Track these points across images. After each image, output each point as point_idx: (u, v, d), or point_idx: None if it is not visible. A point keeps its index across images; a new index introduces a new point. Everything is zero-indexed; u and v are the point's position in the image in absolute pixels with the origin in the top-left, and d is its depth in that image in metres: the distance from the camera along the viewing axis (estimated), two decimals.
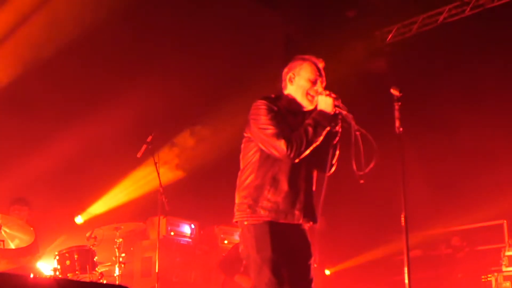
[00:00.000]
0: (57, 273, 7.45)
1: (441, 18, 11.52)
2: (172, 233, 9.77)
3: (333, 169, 4.94)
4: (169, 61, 10.67)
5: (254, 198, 4.67)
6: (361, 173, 4.63)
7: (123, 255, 7.86)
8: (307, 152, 4.66)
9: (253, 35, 11.96)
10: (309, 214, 4.78)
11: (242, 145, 4.87)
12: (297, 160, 4.65)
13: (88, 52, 9.88)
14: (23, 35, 8.83)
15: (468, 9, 11.19)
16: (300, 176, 4.76)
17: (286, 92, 4.93)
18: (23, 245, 7.48)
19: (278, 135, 4.58)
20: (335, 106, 4.75)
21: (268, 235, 4.60)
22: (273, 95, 4.90)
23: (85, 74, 9.88)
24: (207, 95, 11.01)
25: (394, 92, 4.56)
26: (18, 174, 8.80)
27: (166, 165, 9.58)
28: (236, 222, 4.80)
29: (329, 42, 11.35)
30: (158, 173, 8.03)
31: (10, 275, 2.90)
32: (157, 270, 7.97)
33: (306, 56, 5.00)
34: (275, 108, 4.72)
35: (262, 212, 4.63)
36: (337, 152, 4.90)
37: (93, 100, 9.80)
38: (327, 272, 10.87)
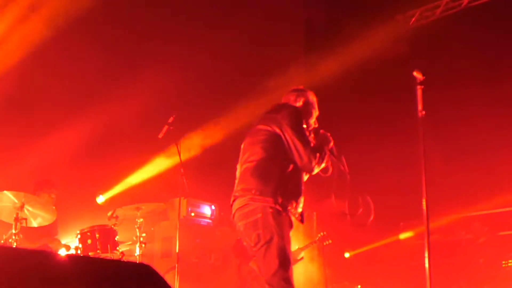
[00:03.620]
0: (79, 251, 7.54)
1: (465, 1, 11.41)
2: (192, 214, 9.80)
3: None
4: (189, 43, 10.69)
5: (275, 188, 5.04)
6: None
7: (143, 235, 7.92)
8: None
9: (274, 19, 11.92)
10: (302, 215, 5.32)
11: (270, 137, 5.21)
12: (310, 173, 5.29)
13: (108, 33, 9.91)
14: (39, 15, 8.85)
15: None
16: (303, 184, 5.33)
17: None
18: (45, 223, 7.58)
19: (313, 151, 5.14)
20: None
21: (287, 224, 5.11)
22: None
23: (106, 55, 9.91)
24: (227, 76, 11.03)
25: (417, 75, 4.56)
26: (41, 154, 8.88)
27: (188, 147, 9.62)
28: (251, 200, 5.06)
29: (350, 26, 11.30)
30: (180, 154, 8.07)
31: (35, 251, 2.94)
32: (177, 251, 8.02)
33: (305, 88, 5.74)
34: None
35: (279, 203, 5.02)
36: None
37: (115, 81, 9.84)
38: (347, 255, 10.90)
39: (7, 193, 7.02)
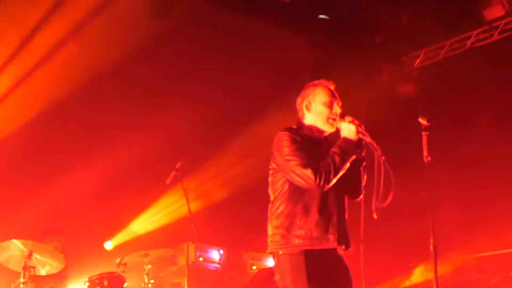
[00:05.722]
0: None
1: (469, 42, 11.47)
2: (200, 259, 9.78)
3: (361, 195, 4.90)
4: (197, 86, 10.74)
5: (287, 228, 4.65)
6: (379, 206, 4.69)
7: (152, 281, 7.90)
8: (335, 180, 4.64)
9: (281, 60, 11.99)
10: (343, 238, 4.75)
11: (270, 178, 4.88)
12: (326, 188, 4.63)
13: (117, 77, 9.96)
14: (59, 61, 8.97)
15: (496, 33, 11.14)
16: (330, 203, 4.73)
17: (305, 121, 4.97)
18: (54, 271, 7.57)
19: (305, 165, 4.59)
20: (358, 132, 4.75)
21: (304, 265, 4.59)
22: (294, 126, 4.93)
23: (114, 99, 9.98)
24: (235, 120, 11.05)
25: (422, 121, 4.56)
26: (48, 201, 8.89)
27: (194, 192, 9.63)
28: (270, 253, 4.78)
29: (356, 67, 11.37)
30: (187, 200, 8.06)
31: None
32: None
33: (316, 81, 5.08)
34: (298, 139, 4.74)
35: (296, 240, 4.62)
36: (365, 177, 4.87)
37: (122, 126, 9.89)
38: None
39: (15, 241, 7.03)
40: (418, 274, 10.69)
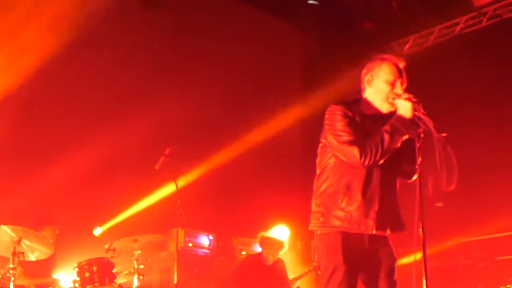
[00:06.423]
0: (77, 285, 7.51)
1: (458, 28, 11.51)
2: (190, 245, 9.79)
3: (415, 176, 4.66)
4: (189, 73, 10.74)
5: (328, 207, 4.60)
6: (442, 191, 4.60)
7: (141, 266, 7.90)
8: (383, 159, 4.50)
9: (272, 47, 11.99)
10: (385, 222, 4.63)
11: (319, 150, 4.77)
12: (374, 165, 4.52)
13: (107, 63, 9.94)
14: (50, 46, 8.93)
15: (485, 19, 11.18)
16: (376, 184, 4.61)
17: (364, 94, 4.77)
18: (43, 257, 7.56)
19: (352, 142, 4.47)
20: (414, 110, 4.52)
21: (340, 245, 4.53)
22: (350, 99, 4.77)
23: (104, 85, 9.95)
24: (225, 106, 11.05)
25: None
26: (36, 187, 8.86)
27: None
28: (311, 230, 4.73)
29: (346, 54, 11.38)
30: (177, 185, 8.04)
31: None
32: (175, 282, 7.98)
33: (386, 56, 4.81)
34: (350, 114, 4.60)
35: (335, 222, 4.55)
36: (419, 158, 4.48)
37: (112, 111, 9.86)
38: None
39: (4, 227, 7.00)
40: (406, 258, 10.74)
